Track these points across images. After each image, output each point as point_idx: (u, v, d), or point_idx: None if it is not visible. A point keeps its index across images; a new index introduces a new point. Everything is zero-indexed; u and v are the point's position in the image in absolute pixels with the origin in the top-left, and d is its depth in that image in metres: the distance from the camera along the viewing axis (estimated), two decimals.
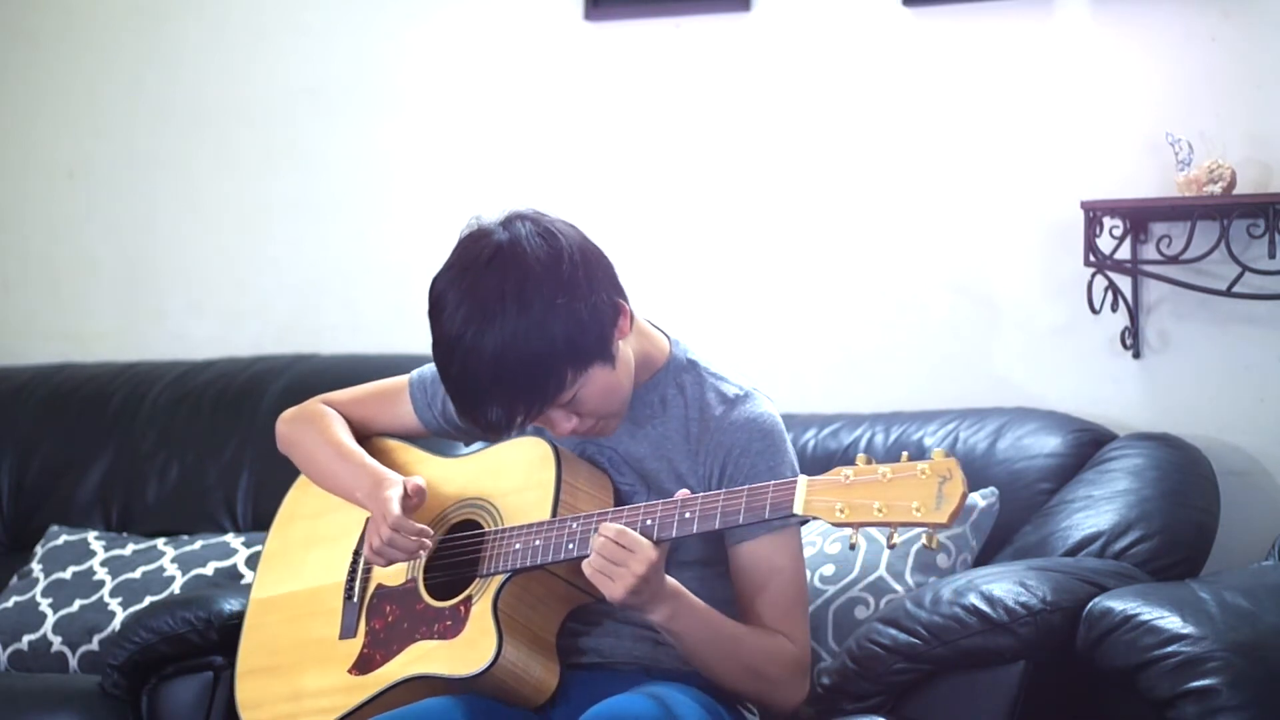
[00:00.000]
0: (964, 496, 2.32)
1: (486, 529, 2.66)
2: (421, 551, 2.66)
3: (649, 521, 2.50)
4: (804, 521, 2.55)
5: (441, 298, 2.60)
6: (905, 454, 2.37)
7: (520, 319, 2.51)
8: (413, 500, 2.67)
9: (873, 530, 2.40)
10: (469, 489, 2.72)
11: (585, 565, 2.49)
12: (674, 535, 2.50)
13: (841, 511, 2.36)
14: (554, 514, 2.59)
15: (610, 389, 2.60)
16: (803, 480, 2.41)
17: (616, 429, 2.68)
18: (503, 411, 2.54)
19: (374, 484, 2.73)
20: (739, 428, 2.67)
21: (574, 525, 2.56)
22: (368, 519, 2.77)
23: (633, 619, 2.65)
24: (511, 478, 2.69)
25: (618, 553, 2.46)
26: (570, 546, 2.55)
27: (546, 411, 2.57)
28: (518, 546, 2.58)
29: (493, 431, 2.60)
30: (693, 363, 2.74)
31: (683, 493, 2.51)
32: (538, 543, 2.57)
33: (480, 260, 2.56)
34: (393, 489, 2.67)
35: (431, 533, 2.65)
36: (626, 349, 2.63)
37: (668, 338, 2.76)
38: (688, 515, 2.49)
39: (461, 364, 2.54)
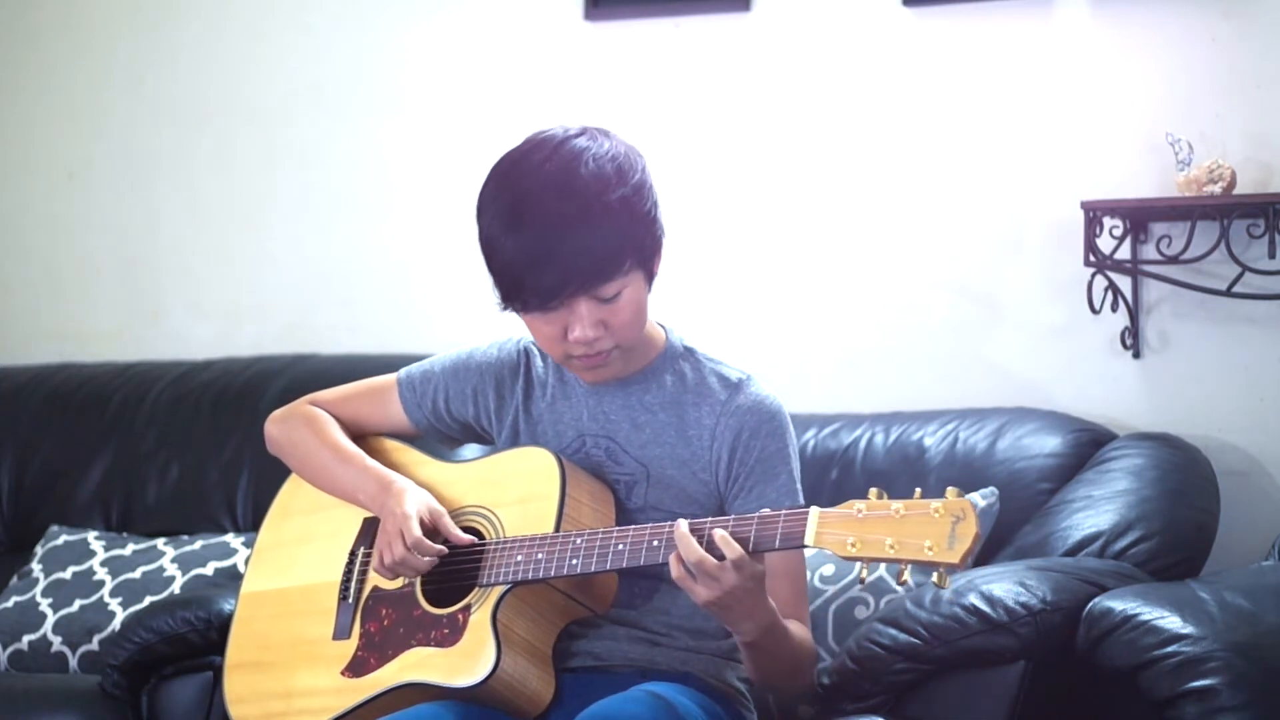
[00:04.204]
0: (977, 538, 2.31)
1: (487, 538, 2.65)
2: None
3: (655, 543, 2.50)
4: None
5: (525, 157, 2.60)
6: (919, 490, 2.37)
7: (604, 189, 2.54)
8: (427, 523, 2.66)
9: (881, 567, 2.39)
10: (469, 496, 2.71)
11: (673, 563, 2.46)
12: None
13: (853, 545, 2.35)
14: (557, 528, 2.58)
15: (641, 310, 2.61)
16: (814, 512, 2.40)
17: (611, 376, 2.66)
18: (555, 277, 2.52)
19: (380, 488, 2.72)
20: (746, 411, 2.67)
21: (578, 540, 2.55)
22: (365, 518, 2.77)
23: (628, 620, 2.65)
24: (514, 488, 2.67)
25: (702, 560, 2.43)
26: (574, 562, 2.53)
27: (588, 295, 2.55)
28: (520, 558, 2.57)
29: (533, 300, 2.56)
30: (689, 350, 2.75)
31: (681, 522, 2.48)
32: (540, 556, 2.56)
33: (568, 133, 2.61)
34: (408, 503, 2.66)
35: (446, 552, 2.64)
36: None
37: (663, 328, 2.76)
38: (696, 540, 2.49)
39: (532, 220, 2.54)
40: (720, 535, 2.43)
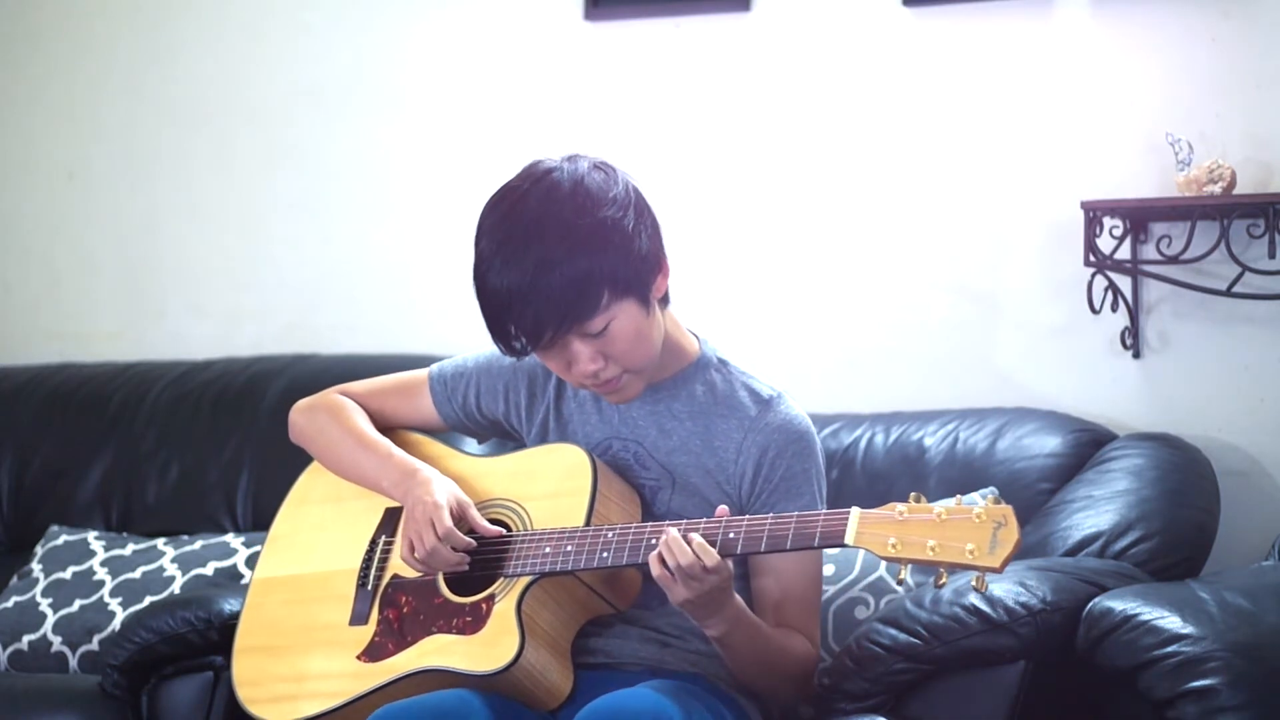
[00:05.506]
0: (1018, 544, 2.33)
1: (514, 530, 2.65)
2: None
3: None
4: None
5: (497, 205, 2.61)
6: (959, 497, 2.39)
7: (568, 229, 2.54)
8: (455, 513, 2.66)
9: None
10: (498, 489, 2.72)
11: (653, 563, 2.48)
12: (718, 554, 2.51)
13: (894, 546, 2.37)
14: (588, 522, 2.59)
15: (642, 335, 2.60)
16: (855, 512, 2.42)
17: (635, 395, 2.67)
18: (532, 322, 2.54)
19: (404, 475, 2.73)
20: (775, 429, 2.68)
21: (609, 535, 2.56)
22: (388, 508, 2.77)
23: (641, 620, 2.67)
24: (544, 482, 2.68)
25: (694, 564, 2.45)
26: (605, 555, 2.54)
27: (574, 334, 2.56)
28: (548, 550, 2.58)
29: (521, 343, 2.58)
30: (723, 361, 2.76)
31: (722, 509, 2.51)
32: (570, 548, 2.57)
33: (535, 174, 2.61)
34: (436, 493, 2.66)
35: (475, 546, 2.65)
36: (659, 315, 2.65)
37: (697, 338, 2.77)
38: (731, 535, 2.49)
39: (503, 266, 2.55)
40: (698, 541, 2.45)
